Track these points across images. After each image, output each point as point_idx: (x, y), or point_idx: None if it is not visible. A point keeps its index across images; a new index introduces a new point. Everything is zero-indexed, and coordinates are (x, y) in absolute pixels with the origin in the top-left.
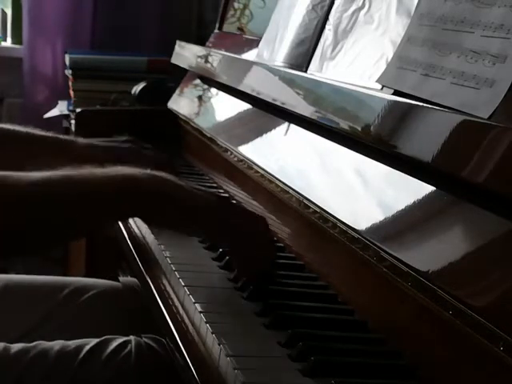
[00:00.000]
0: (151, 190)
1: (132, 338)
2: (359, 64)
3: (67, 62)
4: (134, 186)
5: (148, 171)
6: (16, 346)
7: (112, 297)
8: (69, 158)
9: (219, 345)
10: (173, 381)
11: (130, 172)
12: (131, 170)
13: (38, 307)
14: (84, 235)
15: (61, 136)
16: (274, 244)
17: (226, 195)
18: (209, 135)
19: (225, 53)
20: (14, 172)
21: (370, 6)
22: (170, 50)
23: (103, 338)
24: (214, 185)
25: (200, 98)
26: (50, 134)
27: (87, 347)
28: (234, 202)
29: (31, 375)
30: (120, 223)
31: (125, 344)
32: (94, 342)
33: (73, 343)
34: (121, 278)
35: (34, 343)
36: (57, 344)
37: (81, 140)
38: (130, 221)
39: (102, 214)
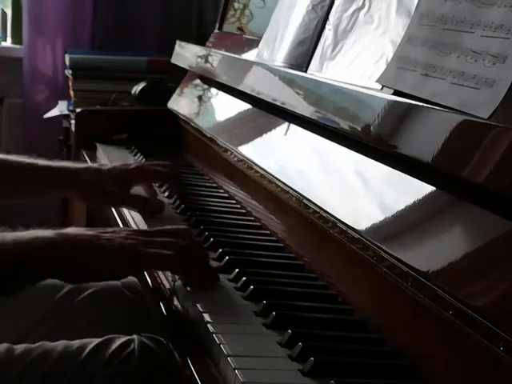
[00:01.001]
0: (62, 250)
1: (135, 337)
2: (359, 64)
3: (67, 62)
4: (44, 245)
5: (63, 231)
6: (19, 347)
7: (111, 295)
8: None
9: (219, 345)
10: (173, 380)
11: (42, 234)
12: (44, 231)
13: (37, 307)
14: None
15: (64, 165)
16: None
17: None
18: (209, 135)
19: (225, 53)
20: None
21: (369, 6)
22: (170, 50)
23: (106, 337)
24: (214, 185)
25: (200, 98)
26: (52, 163)
27: (90, 346)
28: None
29: (34, 375)
30: (120, 223)
31: (128, 343)
32: (96, 341)
33: (76, 343)
34: None
35: (38, 344)
36: (60, 344)
37: (86, 168)
38: (129, 219)
39: (14, 279)
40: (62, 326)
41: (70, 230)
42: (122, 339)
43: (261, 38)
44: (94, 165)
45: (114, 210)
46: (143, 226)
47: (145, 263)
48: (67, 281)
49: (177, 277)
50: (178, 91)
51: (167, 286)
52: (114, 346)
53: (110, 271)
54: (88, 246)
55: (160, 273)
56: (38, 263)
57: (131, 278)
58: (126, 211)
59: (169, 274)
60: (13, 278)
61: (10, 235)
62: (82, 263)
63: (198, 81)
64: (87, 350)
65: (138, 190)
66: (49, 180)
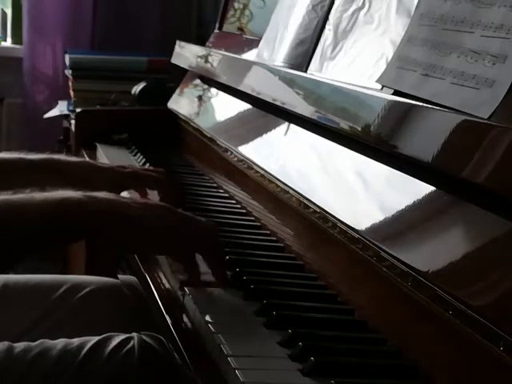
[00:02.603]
0: (94, 210)
1: (134, 334)
2: (359, 64)
3: (67, 62)
4: (75, 206)
5: (93, 193)
6: (20, 345)
7: (110, 293)
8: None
9: (219, 345)
10: (173, 379)
11: (71, 194)
12: (73, 192)
13: (36, 305)
14: (25, 256)
15: (61, 158)
16: (223, 251)
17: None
18: (209, 135)
19: (225, 53)
20: None
21: (369, 6)
22: (170, 50)
23: (106, 334)
24: (214, 185)
25: (200, 98)
26: (47, 156)
27: (89, 344)
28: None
29: (34, 372)
30: None
31: (127, 341)
32: (96, 338)
33: (75, 341)
34: (120, 276)
35: (38, 342)
36: (60, 342)
37: (85, 163)
38: None
39: (40, 237)
40: (62, 324)
41: (100, 194)
42: (121, 337)
43: (261, 38)
44: (91, 161)
45: None
46: None
47: (178, 244)
48: (93, 244)
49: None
50: (178, 91)
51: (167, 285)
52: (113, 343)
53: (135, 242)
54: (120, 212)
55: (160, 273)
56: (65, 225)
57: (131, 277)
58: None
59: (169, 273)
60: (39, 239)
61: (38, 195)
62: (110, 228)
63: (198, 81)
64: (86, 347)
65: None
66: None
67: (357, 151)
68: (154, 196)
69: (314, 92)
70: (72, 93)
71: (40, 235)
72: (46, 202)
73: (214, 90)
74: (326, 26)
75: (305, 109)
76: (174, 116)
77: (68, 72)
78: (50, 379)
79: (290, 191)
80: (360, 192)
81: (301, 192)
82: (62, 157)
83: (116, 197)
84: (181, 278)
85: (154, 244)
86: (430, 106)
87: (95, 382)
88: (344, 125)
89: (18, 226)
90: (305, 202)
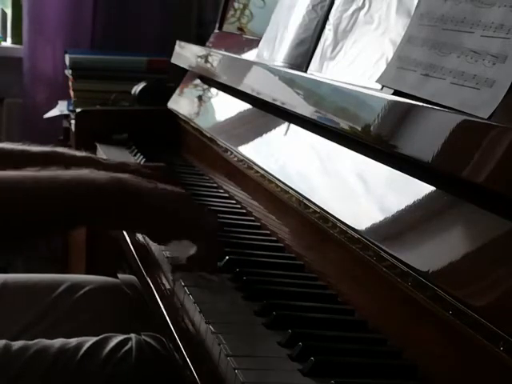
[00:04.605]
0: (112, 191)
1: (132, 335)
2: (359, 64)
3: (67, 62)
4: (94, 188)
5: (111, 174)
6: (17, 344)
7: (109, 293)
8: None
9: (219, 345)
10: (172, 379)
11: (91, 175)
12: (100, 172)
13: (35, 304)
14: (44, 235)
15: (65, 152)
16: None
17: (188, 193)
18: (209, 135)
19: (225, 53)
20: None
21: (369, 6)
22: (170, 50)
23: (104, 335)
24: (214, 185)
25: (200, 98)
26: (50, 149)
27: (87, 344)
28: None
29: (32, 372)
30: None
31: (125, 341)
32: (94, 339)
33: (73, 340)
34: (119, 275)
35: (35, 340)
36: (57, 341)
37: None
38: None
39: (65, 214)
40: (60, 323)
41: (126, 175)
42: (119, 338)
43: (261, 38)
44: (94, 157)
45: None
46: None
47: (201, 230)
48: (111, 225)
49: (177, 275)
50: (178, 91)
51: (167, 285)
52: (111, 344)
53: (159, 228)
54: (147, 194)
55: (160, 273)
56: (89, 204)
57: (131, 277)
58: None
59: (169, 273)
60: (64, 216)
61: (64, 173)
62: (134, 209)
63: (198, 81)
64: (84, 348)
65: None
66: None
67: (357, 151)
68: None
69: (314, 92)
70: (72, 93)
71: (65, 213)
72: (73, 179)
73: (214, 90)
74: (326, 26)
75: (305, 109)
76: (174, 116)
77: (68, 72)
78: (48, 378)
79: (290, 191)
80: (360, 192)
81: (301, 192)
82: (66, 150)
83: (142, 180)
84: (173, 264)
85: (176, 228)
86: (430, 105)
87: (93, 383)
88: (344, 125)
89: (44, 201)
90: (305, 201)
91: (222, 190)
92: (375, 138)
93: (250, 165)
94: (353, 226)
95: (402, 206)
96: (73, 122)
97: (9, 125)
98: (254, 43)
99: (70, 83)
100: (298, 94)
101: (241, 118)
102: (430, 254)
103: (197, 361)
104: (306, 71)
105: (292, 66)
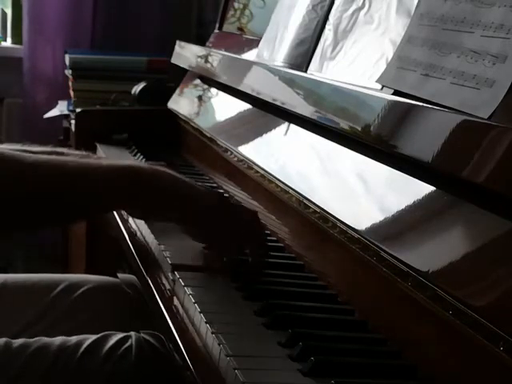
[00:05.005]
0: (151, 182)
1: (132, 333)
2: (359, 64)
3: (67, 62)
4: (134, 176)
5: (155, 166)
6: (17, 342)
7: (109, 292)
8: None
9: (219, 345)
10: (172, 377)
11: (132, 163)
12: (135, 162)
13: (34, 303)
14: (77, 219)
15: (65, 152)
16: (265, 242)
17: (226, 195)
18: (209, 135)
19: (225, 53)
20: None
21: (369, 6)
22: (170, 50)
23: (104, 333)
24: (214, 185)
25: (200, 98)
26: (50, 149)
27: (87, 342)
28: (232, 200)
29: (32, 370)
30: (120, 223)
31: (125, 339)
32: (94, 337)
33: (73, 338)
34: (119, 275)
35: (35, 338)
36: (57, 339)
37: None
38: (130, 220)
39: (98, 199)
40: (60, 322)
41: (161, 168)
42: (119, 335)
43: (261, 38)
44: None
45: (115, 213)
46: (146, 231)
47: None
48: (147, 216)
49: (177, 275)
50: (178, 91)
51: (167, 285)
52: (111, 342)
53: (195, 221)
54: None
55: (160, 273)
56: (127, 191)
57: (131, 276)
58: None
59: (169, 273)
60: (103, 201)
61: (106, 161)
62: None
63: (198, 81)
64: (84, 346)
65: None
66: None
67: (357, 151)
68: None
69: (314, 92)
70: (72, 93)
71: (103, 198)
72: (111, 168)
73: (214, 90)
74: (326, 26)
75: (305, 109)
76: (174, 116)
77: (68, 72)
78: (49, 376)
79: (290, 191)
80: (360, 192)
81: (301, 192)
82: (66, 150)
83: (176, 174)
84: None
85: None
86: (430, 105)
87: (93, 380)
88: (344, 125)
89: (83, 186)
90: (305, 201)
91: (222, 190)
92: (375, 137)
93: (249, 165)
94: (353, 226)
95: (402, 206)
96: (73, 122)
97: (9, 125)
98: (254, 43)
99: (70, 83)
100: (298, 93)
101: (241, 118)
102: (430, 254)
103: (197, 361)
104: (306, 71)
105: (292, 66)
